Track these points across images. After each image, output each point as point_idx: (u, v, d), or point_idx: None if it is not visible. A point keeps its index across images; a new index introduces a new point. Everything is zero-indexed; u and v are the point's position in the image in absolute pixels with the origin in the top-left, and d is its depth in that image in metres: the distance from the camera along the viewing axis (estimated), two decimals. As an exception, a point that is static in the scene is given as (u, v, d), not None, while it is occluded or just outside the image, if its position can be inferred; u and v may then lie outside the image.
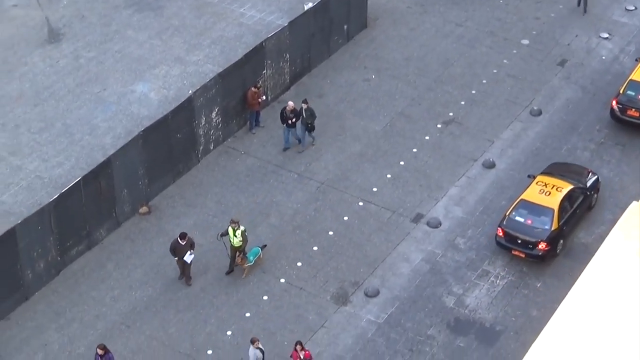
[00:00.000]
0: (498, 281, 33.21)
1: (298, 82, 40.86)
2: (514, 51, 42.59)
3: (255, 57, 38.33)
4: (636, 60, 41.17)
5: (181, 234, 32.18)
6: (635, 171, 37.00)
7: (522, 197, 34.00)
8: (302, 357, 29.17)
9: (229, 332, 31.67)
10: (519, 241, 33.22)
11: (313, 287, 33.04)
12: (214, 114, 37.32)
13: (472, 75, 41.34)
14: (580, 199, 34.44)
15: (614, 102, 38.11)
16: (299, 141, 37.70)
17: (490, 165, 37.30)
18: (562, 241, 33.71)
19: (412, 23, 44.15)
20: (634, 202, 26.60)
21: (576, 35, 43.39)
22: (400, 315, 32.19)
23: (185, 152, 36.74)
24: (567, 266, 33.61)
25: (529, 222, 33.31)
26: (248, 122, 38.81)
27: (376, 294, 32.81)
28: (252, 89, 38.00)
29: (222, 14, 44.10)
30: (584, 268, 32.62)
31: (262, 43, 38.66)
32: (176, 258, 32.51)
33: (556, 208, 33.45)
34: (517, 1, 45.28)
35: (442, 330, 31.72)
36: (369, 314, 32.25)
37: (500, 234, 33.54)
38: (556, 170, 35.40)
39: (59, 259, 33.16)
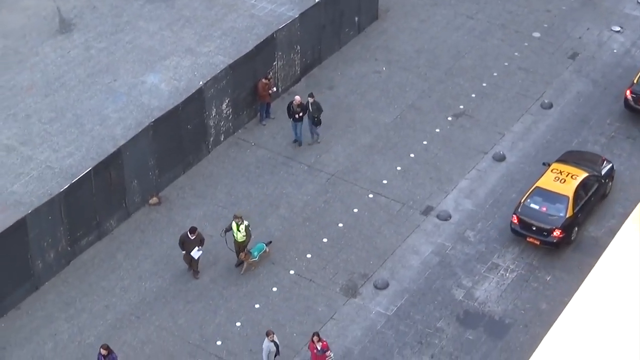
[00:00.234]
0: (507, 274, 33.20)
1: (308, 73, 40.83)
2: (525, 44, 42.50)
3: (266, 49, 38.29)
4: None
5: (191, 228, 32.17)
6: (646, 165, 36.98)
7: (537, 184, 34.11)
8: (319, 348, 29.15)
9: (238, 323, 31.71)
10: (534, 228, 33.32)
11: (322, 279, 33.05)
12: (224, 105, 37.32)
13: (483, 67, 41.27)
14: (595, 186, 34.52)
15: (628, 92, 38.11)
16: (311, 134, 37.59)
17: (500, 158, 37.25)
18: (576, 229, 33.79)
19: (423, 15, 44.07)
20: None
21: (587, 29, 43.28)
22: (410, 308, 32.19)
23: (196, 143, 36.74)
24: (576, 260, 33.58)
25: (544, 209, 33.42)
26: (258, 114, 38.80)
27: (385, 286, 32.82)
28: (263, 80, 37.97)
29: (233, 5, 44.06)
30: (594, 261, 32.60)
31: (273, 34, 38.62)
32: (184, 252, 32.48)
33: (571, 195, 33.54)
34: (529, -6, 45.26)
35: (452, 323, 31.72)
36: (378, 306, 32.26)
37: (515, 221, 33.64)
38: (571, 158, 35.49)
39: (69, 249, 33.22)
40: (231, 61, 38.35)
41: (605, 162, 35.57)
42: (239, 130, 38.38)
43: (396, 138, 38.13)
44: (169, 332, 31.46)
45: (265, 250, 33.17)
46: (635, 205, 32.28)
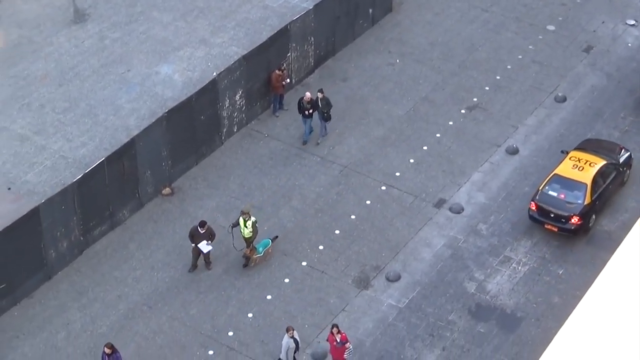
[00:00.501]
0: (520, 267, 33.15)
1: (322, 65, 40.78)
2: (540, 37, 42.38)
3: (279, 40, 38.26)
4: None
5: (201, 222, 32.14)
6: (659, 159, 36.86)
7: (555, 171, 34.25)
8: (338, 340, 29.12)
9: (250, 314, 31.73)
10: (552, 215, 33.45)
11: (334, 270, 33.05)
12: (237, 97, 37.32)
13: (497, 60, 41.18)
14: (613, 174, 34.62)
15: None
16: (325, 129, 37.50)
17: (513, 152, 37.18)
18: (594, 216, 33.88)
19: (437, 8, 43.98)
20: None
21: (602, 22, 43.14)
22: (421, 300, 32.18)
23: (209, 134, 36.75)
24: (589, 253, 33.52)
25: (562, 196, 33.56)
26: (272, 105, 38.78)
27: (397, 278, 32.81)
28: (276, 71, 37.94)
29: (247, -4, 44.07)
30: (607, 255, 32.69)
31: (287, 26, 38.58)
32: (193, 245, 32.45)
33: (589, 183, 33.67)
34: (544, -13, 45.11)
35: (463, 316, 31.70)
36: (390, 299, 32.25)
37: (533, 207, 33.76)
38: (589, 146, 35.61)
39: (81, 238, 33.28)
40: (245, 52, 38.34)
41: (623, 150, 35.72)
42: (252, 122, 38.37)
43: (409, 130, 38.08)
44: (181, 322, 31.51)
45: (269, 248, 33.06)
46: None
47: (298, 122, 37.99)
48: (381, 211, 35.00)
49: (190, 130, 35.83)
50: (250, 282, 32.70)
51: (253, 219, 32.48)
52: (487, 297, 32.26)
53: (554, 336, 22.65)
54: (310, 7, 39.69)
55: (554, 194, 33.68)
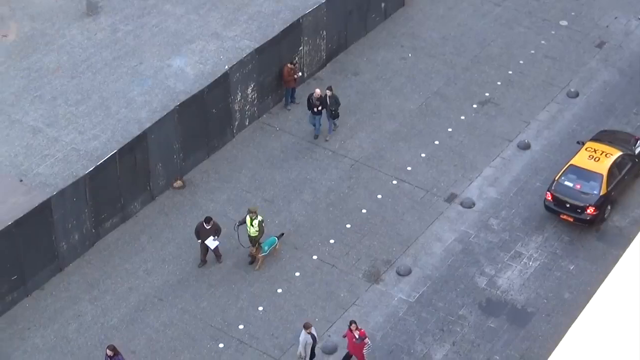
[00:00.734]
0: (531, 263, 33.10)
1: (334, 59, 40.73)
2: (552, 32, 42.25)
3: (291, 34, 38.22)
4: None
5: (206, 218, 32.07)
6: (672, 155, 36.73)
7: (571, 162, 34.34)
8: (357, 336, 29.08)
9: (260, 308, 31.75)
10: (568, 205, 33.55)
11: (345, 264, 33.05)
12: (249, 90, 37.31)
13: (509, 55, 41.08)
14: (629, 165, 34.68)
15: None
16: (329, 127, 37.44)
17: (525, 147, 37.11)
18: (609, 207, 33.95)
19: (449, 2, 43.89)
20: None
21: (615, 17, 42.98)
22: (432, 295, 32.16)
23: (221, 128, 36.75)
24: (600, 249, 33.46)
25: (578, 186, 33.62)
26: (284, 99, 38.77)
27: (408, 272, 32.79)
28: (288, 65, 37.91)
29: (259, -11, 44.04)
30: (618, 251, 32.70)
31: (299, 19, 38.54)
32: (199, 241, 32.44)
33: (605, 173, 33.77)
34: (557, -18, 44.97)
35: (474, 311, 31.67)
36: (401, 293, 32.24)
37: (549, 198, 33.86)
38: (605, 137, 35.64)
39: (93, 231, 33.32)
40: (257, 45, 38.31)
41: (638, 141, 35.71)
42: (264, 115, 38.36)
43: (421, 125, 38.03)
44: (191, 315, 31.55)
45: (275, 246, 33.03)
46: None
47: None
48: (392, 205, 34.98)
49: (202, 123, 35.83)
50: (261, 275, 32.70)
51: (260, 218, 32.35)
52: (497, 292, 32.23)
53: (564, 332, 22.62)
54: (323, 1, 39.64)
55: (570, 184, 33.81)
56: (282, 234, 33.37)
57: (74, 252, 32.91)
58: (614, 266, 24.59)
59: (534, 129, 37.86)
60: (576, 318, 22.76)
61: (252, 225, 32.28)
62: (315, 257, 33.27)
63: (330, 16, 39.62)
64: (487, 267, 32.97)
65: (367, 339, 29.13)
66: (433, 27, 42.47)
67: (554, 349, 21.99)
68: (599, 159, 34.15)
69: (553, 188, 33.91)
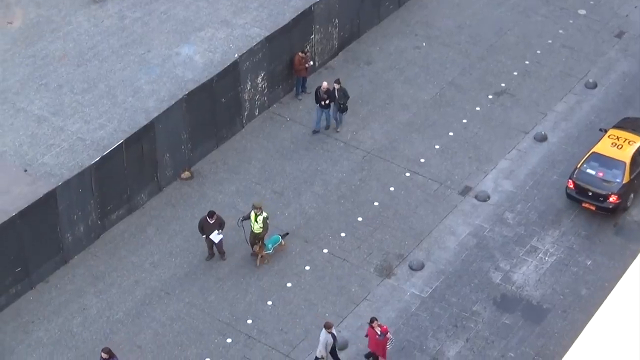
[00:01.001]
0: (547, 258, 32.68)
1: (346, 48, 40.37)
2: (570, 21, 41.83)
3: (303, 22, 37.84)
4: None
5: (209, 212, 31.71)
6: (692, 148, 36.16)
7: (593, 149, 34.10)
8: (379, 332, 28.66)
9: (269, 302, 31.35)
10: (590, 194, 33.32)
11: (356, 258, 32.62)
12: (259, 79, 36.89)
13: (526, 45, 40.64)
14: None
15: None
16: (336, 121, 36.89)
17: (542, 139, 36.65)
18: (632, 195, 33.68)
19: (465, -10, 43.45)
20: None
21: (635, 7, 42.60)
22: (445, 290, 31.73)
23: (230, 117, 36.39)
24: (618, 244, 33.09)
25: (600, 174, 33.40)
26: (294, 88, 38.32)
27: (421, 267, 32.39)
28: (299, 54, 37.53)
29: (270, -24, 43.60)
30: (636, 247, 32.36)
31: (310, 7, 38.18)
32: (204, 236, 32.01)
33: (628, 161, 33.53)
34: (574, -30, 44.43)
35: (488, 307, 31.28)
36: (413, 288, 31.82)
37: (571, 186, 33.64)
38: (628, 124, 35.31)
39: (99, 222, 33.02)
40: (267, 34, 38.05)
41: None
42: (274, 105, 37.98)
43: (435, 116, 37.58)
44: (199, 309, 31.15)
45: (280, 243, 32.46)
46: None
47: (321, 106, 37.55)
48: (405, 198, 34.52)
49: (211, 113, 35.46)
50: (270, 269, 32.29)
51: (265, 214, 31.83)
52: (512, 287, 31.79)
53: (580, 329, 22.36)
54: (335, -12, 39.21)
55: (592, 172, 33.55)
56: (287, 234, 32.83)
57: (79, 244, 32.63)
58: (632, 261, 24.24)
59: (551, 121, 37.42)
60: (593, 315, 22.57)
61: (257, 222, 31.74)
62: (325, 250, 32.83)
63: (342, 4, 39.25)
64: (502, 262, 32.53)
65: (389, 334, 28.88)
66: (448, 16, 42.05)
67: (570, 347, 21.92)
68: (621, 147, 33.80)
69: (575, 176, 33.62)
